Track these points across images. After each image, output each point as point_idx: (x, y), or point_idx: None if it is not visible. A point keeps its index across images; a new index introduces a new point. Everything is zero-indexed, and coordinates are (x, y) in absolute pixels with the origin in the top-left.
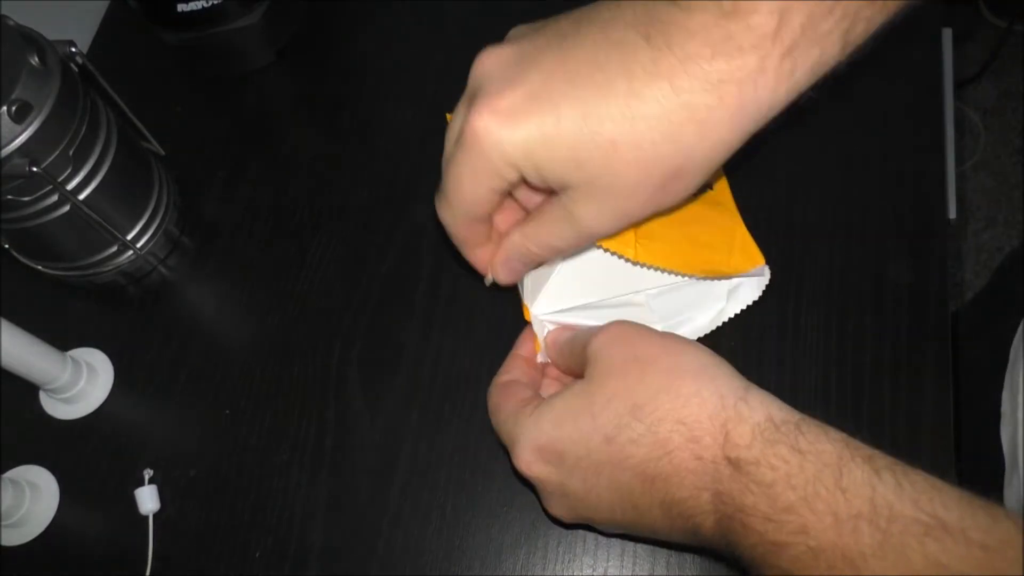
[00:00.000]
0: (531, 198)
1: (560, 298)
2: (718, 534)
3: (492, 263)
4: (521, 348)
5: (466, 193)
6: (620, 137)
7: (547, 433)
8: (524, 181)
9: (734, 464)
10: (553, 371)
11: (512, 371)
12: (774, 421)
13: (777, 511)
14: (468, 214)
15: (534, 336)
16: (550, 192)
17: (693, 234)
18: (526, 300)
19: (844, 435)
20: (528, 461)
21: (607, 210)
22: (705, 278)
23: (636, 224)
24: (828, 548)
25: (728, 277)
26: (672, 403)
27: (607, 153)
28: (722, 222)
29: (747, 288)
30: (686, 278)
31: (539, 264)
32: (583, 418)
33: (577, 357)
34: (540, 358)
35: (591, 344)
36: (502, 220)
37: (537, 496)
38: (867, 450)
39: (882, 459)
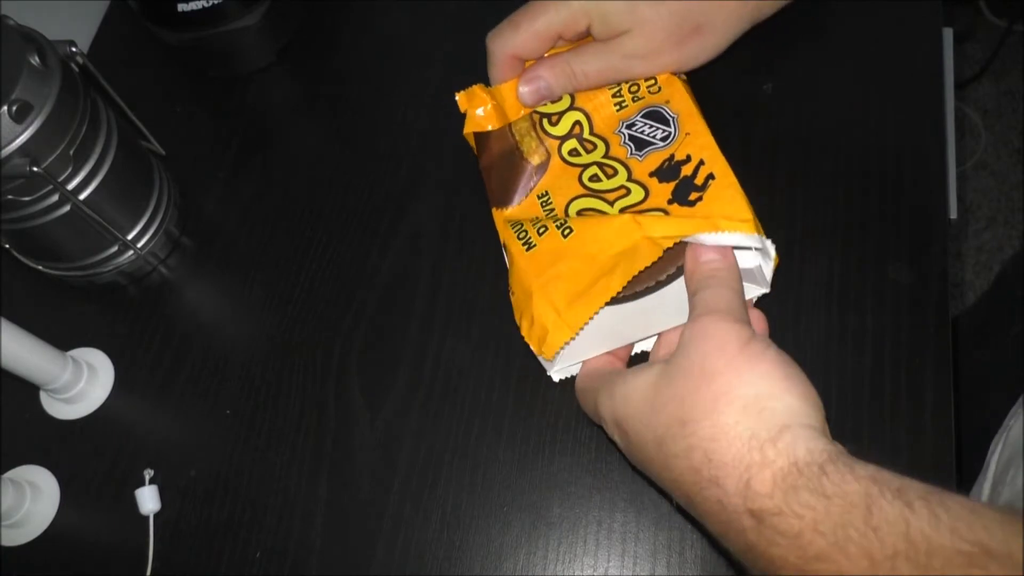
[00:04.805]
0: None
1: (576, 357)
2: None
3: (522, 78)
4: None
5: (538, 25)
6: None
7: (618, 408)
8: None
9: (756, 516)
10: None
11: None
12: (798, 465)
13: (808, 560)
14: (521, 46)
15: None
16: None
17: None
18: (547, 368)
19: (873, 468)
20: (609, 427)
21: (644, 45)
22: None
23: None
24: None
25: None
26: (708, 431)
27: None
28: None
29: (757, 270)
30: None
31: (561, 91)
32: (646, 411)
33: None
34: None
35: (687, 329)
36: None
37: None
38: (897, 481)
39: (914, 489)
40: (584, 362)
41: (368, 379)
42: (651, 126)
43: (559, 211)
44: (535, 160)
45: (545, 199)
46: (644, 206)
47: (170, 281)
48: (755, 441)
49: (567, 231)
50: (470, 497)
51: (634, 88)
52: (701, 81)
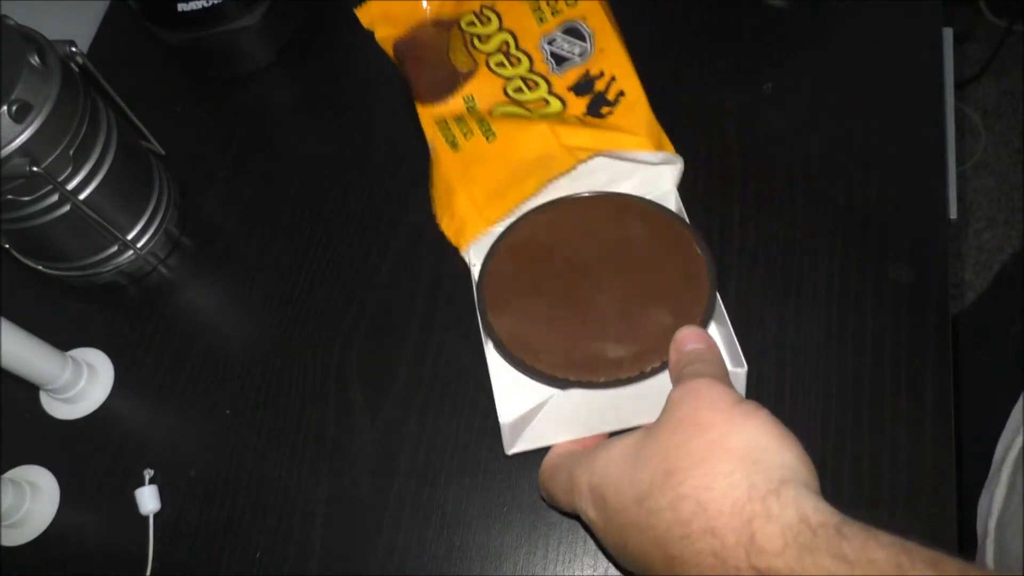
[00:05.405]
0: None
1: (540, 440)
2: None
3: None
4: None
5: None
6: None
7: (597, 473)
8: None
9: None
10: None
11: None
12: (809, 523)
13: None
14: None
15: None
16: None
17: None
18: (505, 444)
19: (896, 538)
20: (584, 497)
21: None
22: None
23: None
24: None
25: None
26: (700, 480)
27: None
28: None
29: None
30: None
31: None
32: (628, 468)
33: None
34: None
35: (674, 392)
36: None
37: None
38: (927, 553)
39: (949, 563)
40: (553, 446)
41: (368, 379)
42: (569, 42)
43: (483, 114)
44: (464, 69)
45: (471, 103)
46: (562, 116)
47: (170, 281)
48: (755, 491)
49: (491, 136)
50: (470, 497)
51: (553, 2)
52: (701, 81)
